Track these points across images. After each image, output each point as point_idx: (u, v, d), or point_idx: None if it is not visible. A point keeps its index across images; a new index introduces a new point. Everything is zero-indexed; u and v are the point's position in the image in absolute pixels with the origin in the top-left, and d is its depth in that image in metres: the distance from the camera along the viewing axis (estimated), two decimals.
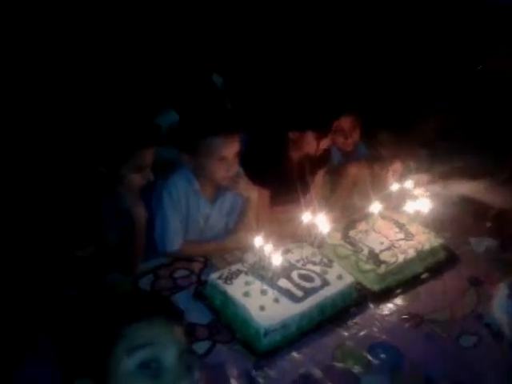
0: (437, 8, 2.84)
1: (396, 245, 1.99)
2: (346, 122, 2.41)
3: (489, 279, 1.98)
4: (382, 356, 1.60)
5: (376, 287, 1.86)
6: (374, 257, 1.91)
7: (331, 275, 1.78)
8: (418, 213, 2.08)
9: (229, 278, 1.70)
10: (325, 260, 1.86)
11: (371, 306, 1.81)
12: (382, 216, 2.12)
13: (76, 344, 0.98)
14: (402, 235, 2.05)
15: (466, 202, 2.26)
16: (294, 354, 1.58)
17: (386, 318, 1.76)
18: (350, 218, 2.17)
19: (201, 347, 1.57)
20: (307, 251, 1.88)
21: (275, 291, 1.65)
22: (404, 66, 2.81)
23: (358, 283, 1.85)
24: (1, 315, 1.39)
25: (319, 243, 1.90)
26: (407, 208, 2.12)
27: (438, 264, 2.04)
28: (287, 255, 1.84)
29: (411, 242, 2.01)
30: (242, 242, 1.99)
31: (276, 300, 1.62)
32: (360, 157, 2.53)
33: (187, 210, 2.00)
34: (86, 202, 1.54)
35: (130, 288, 1.79)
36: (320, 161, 2.33)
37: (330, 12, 3.24)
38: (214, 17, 3.17)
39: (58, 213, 1.47)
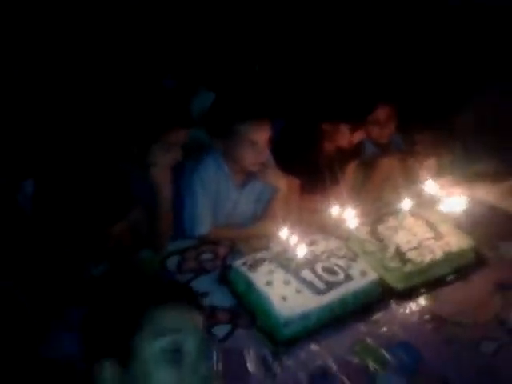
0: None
1: (424, 244, 1.95)
2: (381, 113, 2.35)
3: None
4: (401, 356, 1.60)
5: (400, 286, 1.85)
6: (400, 255, 1.89)
7: (355, 270, 1.78)
8: (449, 212, 2.04)
9: (253, 266, 1.72)
10: (350, 254, 1.85)
11: (394, 304, 1.80)
12: (413, 213, 2.09)
13: (102, 323, 1.02)
14: (431, 234, 2.01)
15: (497, 206, 2.20)
16: (313, 346, 1.59)
17: (408, 318, 1.75)
18: (379, 213, 2.15)
19: (221, 330, 1.61)
20: (333, 244, 1.88)
21: (298, 282, 1.67)
22: (443, 60, 2.73)
23: (382, 280, 1.84)
24: (31, 288, 1.45)
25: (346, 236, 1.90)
26: (440, 207, 2.08)
27: (465, 266, 2.00)
28: (312, 247, 1.85)
29: (440, 243, 1.97)
30: (269, 229, 2.00)
31: (298, 291, 1.64)
32: (394, 150, 2.49)
33: (217, 195, 2.02)
34: (117, 179, 1.57)
35: (157, 266, 1.84)
36: (352, 152, 2.31)
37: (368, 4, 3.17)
38: (256, 10, 3.16)
39: (90, 190, 1.51)
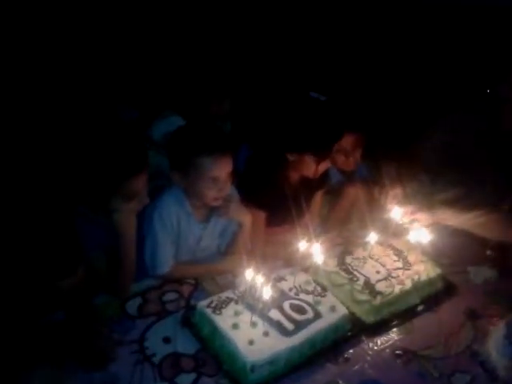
0: (443, 27, 2.77)
1: (393, 274, 1.93)
2: (347, 141, 2.34)
3: (486, 313, 1.92)
4: None
5: (370, 319, 1.81)
6: (369, 287, 1.85)
7: (324, 306, 1.72)
8: (417, 242, 2.02)
9: (218, 307, 1.64)
10: (318, 289, 1.80)
11: (364, 339, 1.75)
12: (380, 242, 2.07)
13: None
14: (399, 264, 1.99)
15: (466, 231, 2.20)
16: None
17: (379, 354, 1.71)
18: (346, 242, 2.12)
19: (185, 379, 1.52)
20: (301, 279, 1.83)
21: (265, 323, 1.60)
22: (409, 86, 2.76)
23: (352, 314, 1.79)
24: None
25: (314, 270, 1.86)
26: (407, 237, 2.07)
27: (434, 295, 1.98)
28: (280, 283, 1.79)
29: (408, 272, 1.95)
30: (234, 265, 1.94)
31: (266, 333, 1.57)
32: (360, 178, 2.47)
33: (178, 231, 1.94)
34: (66, 234, 1.47)
35: (117, 311, 1.75)
36: (319, 182, 2.27)
37: (329, 31, 3.20)
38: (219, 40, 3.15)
39: (37, 245, 1.41)
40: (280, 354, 1.54)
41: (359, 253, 2.02)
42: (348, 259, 1.99)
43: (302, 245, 1.78)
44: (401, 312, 1.87)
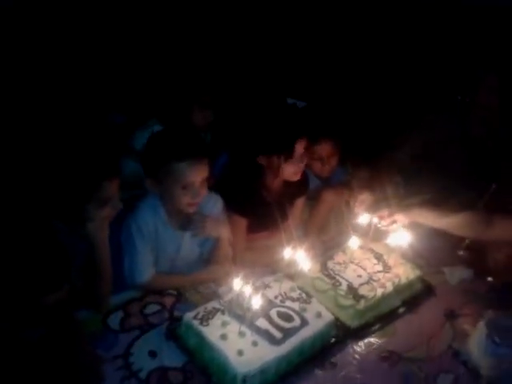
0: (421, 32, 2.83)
1: (374, 278, 1.95)
2: (324, 149, 2.37)
3: (464, 312, 1.97)
4: None
5: (355, 323, 1.82)
6: (353, 291, 1.86)
7: (310, 313, 1.72)
8: (396, 246, 2.05)
9: (205, 319, 1.61)
10: (303, 295, 1.80)
11: (350, 343, 1.76)
12: (360, 245, 2.09)
13: None
14: (379, 267, 2.02)
15: (440, 231, 2.25)
16: None
17: (365, 358, 1.72)
18: (326, 246, 2.12)
19: None
20: (285, 285, 1.82)
21: (253, 333, 1.58)
22: (384, 90, 2.80)
23: (337, 319, 1.80)
24: None
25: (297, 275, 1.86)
26: (387, 240, 2.09)
27: (414, 297, 2.01)
28: (265, 291, 1.77)
29: (389, 275, 1.98)
30: (217, 274, 1.92)
31: (254, 343, 1.55)
32: (338, 182, 2.49)
33: (156, 240, 1.90)
34: (51, 247, 1.41)
35: (99, 325, 1.69)
36: (299, 188, 2.27)
37: (310, 43, 3.22)
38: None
39: (22, 258, 1.34)
40: (270, 363, 1.53)
41: (340, 257, 2.04)
42: (330, 264, 1.99)
43: (287, 252, 1.77)
44: (383, 315, 1.90)
